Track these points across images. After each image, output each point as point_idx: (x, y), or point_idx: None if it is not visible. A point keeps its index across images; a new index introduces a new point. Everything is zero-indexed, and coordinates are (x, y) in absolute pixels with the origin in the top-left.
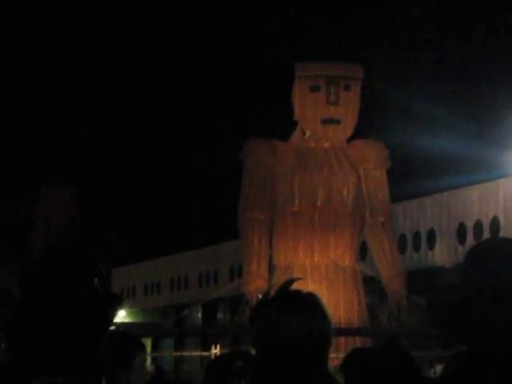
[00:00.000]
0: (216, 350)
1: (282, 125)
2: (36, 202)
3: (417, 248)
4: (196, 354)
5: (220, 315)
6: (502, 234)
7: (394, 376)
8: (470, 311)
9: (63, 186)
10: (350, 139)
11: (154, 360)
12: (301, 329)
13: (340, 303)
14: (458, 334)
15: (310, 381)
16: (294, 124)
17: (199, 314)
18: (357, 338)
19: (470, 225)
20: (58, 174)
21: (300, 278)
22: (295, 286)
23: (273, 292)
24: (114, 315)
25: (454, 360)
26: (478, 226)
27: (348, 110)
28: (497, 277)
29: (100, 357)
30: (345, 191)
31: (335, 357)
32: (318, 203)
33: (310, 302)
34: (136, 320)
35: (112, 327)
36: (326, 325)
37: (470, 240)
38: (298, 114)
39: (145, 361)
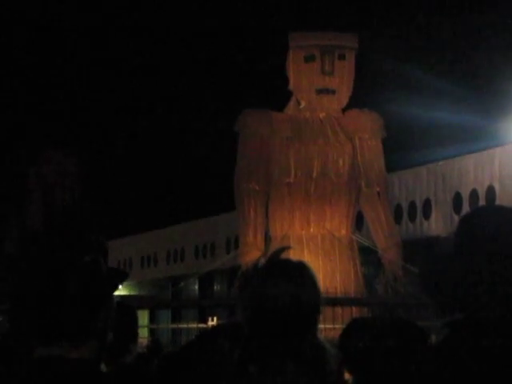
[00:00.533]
0: (213, 322)
1: (278, 95)
2: (34, 168)
3: (412, 218)
4: (193, 325)
5: (217, 287)
6: (497, 202)
7: (402, 346)
8: (462, 278)
9: (64, 154)
10: (345, 109)
11: (151, 332)
12: (286, 297)
13: (336, 273)
14: (451, 301)
15: (298, 349)
16: (289, 94)
17: (196, 286)
18: (353, 308)
19: (465, 194)
20: (58, 142)
21: (290, 247)
22: (292, 257)
23: (263, 261)
24: (114, 289)
25: (446, 328)
26: (474, 195)
27: (343, 79)
28: (488, 243)
29: (101, 329)
30: (340, 161)
31: (332, 327)
32: (314, 174)
33: (297, 270)
34: (133, 292)
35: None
36: (313, 294)
37: (466, 209)
38: (292, 84)
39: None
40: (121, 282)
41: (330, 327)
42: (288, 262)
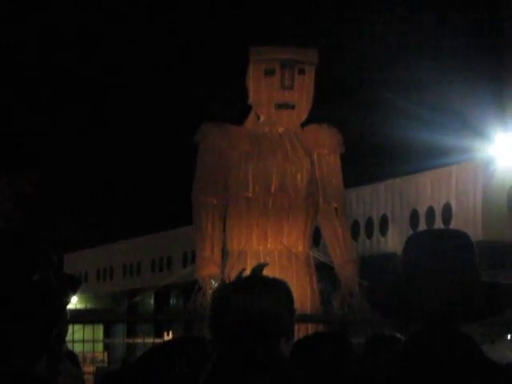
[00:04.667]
0: (168, 337)
1: (237, 108)
2: None
3: (369, 234)
4: (149, 340)
5: (173, 301)
6: (453, 220)
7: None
8: (401, 294)
9: (21, 175)
10: (304, 124)
11: (106, 346)
12: (250, 310)
13: (293, 290)
14: (393, 314)
15: (259, 363)
16: (249, 108)
17: (152, 301)
18: (309, 325)
19: (422, 211)
20: (16, 162)
21: (267, 264)
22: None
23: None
24: (68, 301)
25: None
26: (431, 212)
27: (302, 94)
28: (429, 261)
29: (55, 345)
30: (298, 177)
31: None
32: (272, 189)
33: (267, 285)
34: (88, 305)
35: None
36: (279, 309)
37: (423, 226)
38: (252, 98)
39: None
40: (74, 291)
41: None
42: (258, 278)
